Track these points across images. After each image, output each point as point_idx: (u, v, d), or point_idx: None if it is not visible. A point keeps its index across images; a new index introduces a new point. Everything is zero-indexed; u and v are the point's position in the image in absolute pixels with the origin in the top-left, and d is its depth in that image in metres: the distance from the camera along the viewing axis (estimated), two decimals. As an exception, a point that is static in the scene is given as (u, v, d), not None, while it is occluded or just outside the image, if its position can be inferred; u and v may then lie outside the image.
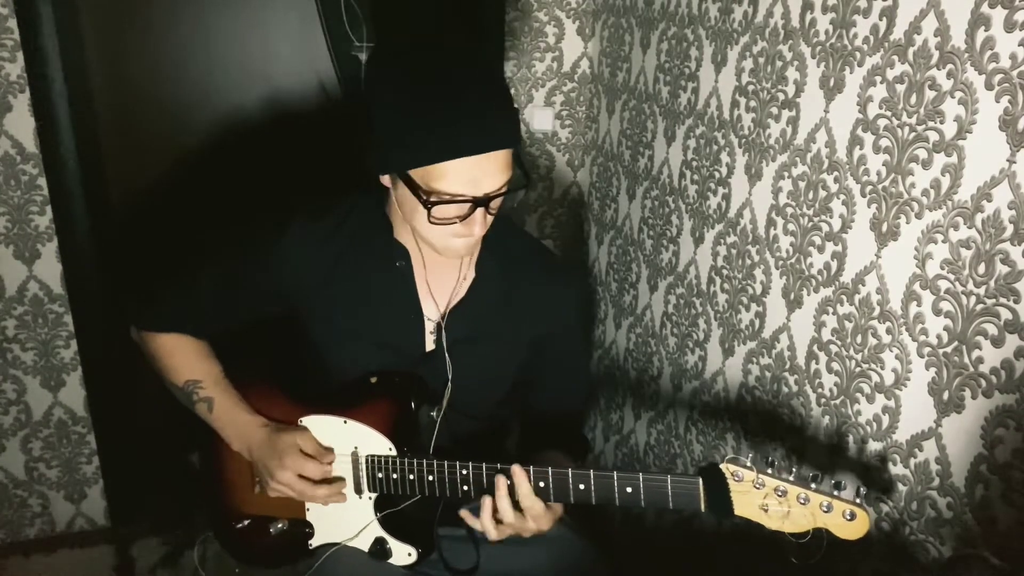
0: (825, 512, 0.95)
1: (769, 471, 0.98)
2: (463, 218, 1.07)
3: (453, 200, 1.05)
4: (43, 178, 1.96)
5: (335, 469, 1.23)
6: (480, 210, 1.07)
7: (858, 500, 0.96)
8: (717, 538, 1.68)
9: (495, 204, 1.09)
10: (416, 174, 1.06)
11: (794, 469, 0.99)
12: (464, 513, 1.15)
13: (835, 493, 0.96)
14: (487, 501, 1.11)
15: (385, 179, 1.14)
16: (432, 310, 1.26)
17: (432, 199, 1.05)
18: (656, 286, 1.94)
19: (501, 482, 1.09)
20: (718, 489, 0.99)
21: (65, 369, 2.14)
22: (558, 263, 1.37)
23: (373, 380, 1.24)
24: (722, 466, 0.99)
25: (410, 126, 1.03)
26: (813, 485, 0.96)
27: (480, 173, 1.04)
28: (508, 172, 1.08)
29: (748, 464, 0.98)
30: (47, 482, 2.24)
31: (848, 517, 0.95)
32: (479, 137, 1.03)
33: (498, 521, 1.11)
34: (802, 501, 0.96)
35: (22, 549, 2.24)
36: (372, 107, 1.09)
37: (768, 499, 0.97)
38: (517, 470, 1.09)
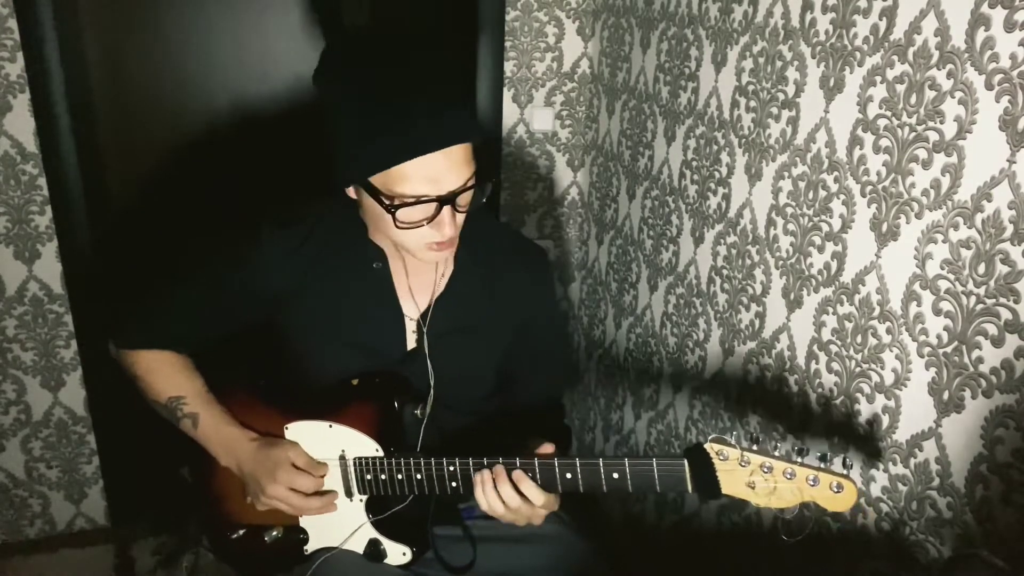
0: (812, 486, 0.95)
1: (755, 448, 0.98)
2: (431, 219, 1.06)
3: (417, 202, 1.04)
4: (43, 178, 1.97)
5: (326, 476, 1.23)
6: (447, 209, 1.06)
7: (844, 471, 0.95)
8: (717, 538, 1.68)
9: (462, 201, 1.08)
10: (377, 181, 1.05)
11: (778, 446, 0.99)
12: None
13: (821, 466, 0.96)
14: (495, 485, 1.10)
15: (351, 191, 1.13)
16: (412, 308, 1.26)
17: (396, 203, 1.04)
18: (656, 286, 1.94)
19: (486, 477, 1.09)
20: (704, 469, 0.99)
21: (65, 369, 2.14)
22: (530, 245, 1.36)
23: (354, 382, 1.24)
24: (707, 446, 0.99)
25: (362, 134, 1.03)
26: (799, 459, 0.96)
27: (440, 170, 1.03)
28: (470, 166, 1.07)
29: (732, 442, 0.99)
30: (47, 482, 2.24)
31: (835, 489, 0.94)
32: (432, 134, 1.02)
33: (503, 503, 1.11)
34: (788, 476, 0.96)
35: (22, 549, 2.25)
36: (325, 123, 1.08)
37: (754, 476, 0.98)
38: (500, 470, 1.09)
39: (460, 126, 1.05)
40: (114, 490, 2.30)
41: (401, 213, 1.05)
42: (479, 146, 1.10)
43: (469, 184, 1.07)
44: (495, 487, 1.09)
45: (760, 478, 0.98)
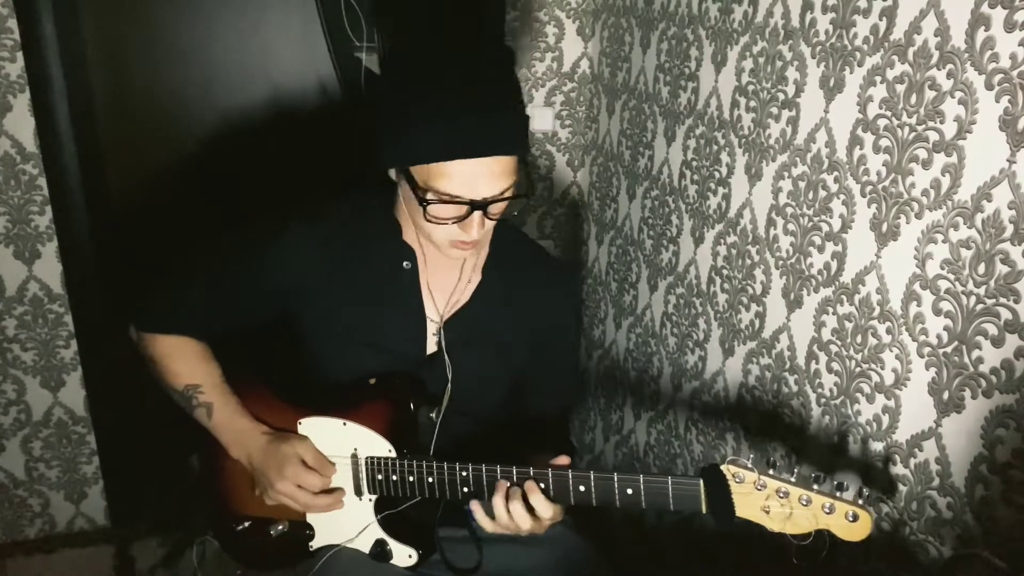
0: (827, 514, 0.94)
1: (771, 472, 0.97)
2: (460, 219, 1.07)
3: (450, 201, 1.05)
4: (43, 178, 1.96)
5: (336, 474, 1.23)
6: (477, 213, 1.06)
7: (860, 501, 0.95)
8: (717, 538, 1.68)
9: (495, 209, 1.08)
10: (416, 170, 1.06)
11: (796, 470, 0.98)
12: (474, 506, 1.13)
13: (837, 494, 0.95)
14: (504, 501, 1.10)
15: (393, 172, 1.14)
16: (434, 312, 1.26)
17: (429, 197, 1.05)
18: (656, 286, 1.94)
19: (512, 492, 1.09)
20: (719, 491, 0.98)
21: (65, 369, 2.14)
22: (555, 263, 1.38)
23: (372, 381, 1.24)
24: (723, 467, 0.98)
25: (413, 122, 1.03)
26: (815, 486, 0.95)
27: (479, 176, 1.03)
28: (510, 178, 1.07)
29: (749, 465, 0.97)
30: (47, 482, 2.24)
31: (851, 519, 0.94)
32: (480, 140, 1.02)
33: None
34: (804, 503, 0.95)
35: (22, 549, 2.24)
36: (378, 101, 1.08)
37: (770, 500, 0.97)
38: (514, 491, 1.08)
39: (509, 137, 1.05)
40: (114, 490, 2.30)
41: (432, 207, 1.06)
42: (523, 160, 1.10)
43: (505, 195, 1.07)
44: (505, 502, 1.09)
45: (776, 503, 0.96)
